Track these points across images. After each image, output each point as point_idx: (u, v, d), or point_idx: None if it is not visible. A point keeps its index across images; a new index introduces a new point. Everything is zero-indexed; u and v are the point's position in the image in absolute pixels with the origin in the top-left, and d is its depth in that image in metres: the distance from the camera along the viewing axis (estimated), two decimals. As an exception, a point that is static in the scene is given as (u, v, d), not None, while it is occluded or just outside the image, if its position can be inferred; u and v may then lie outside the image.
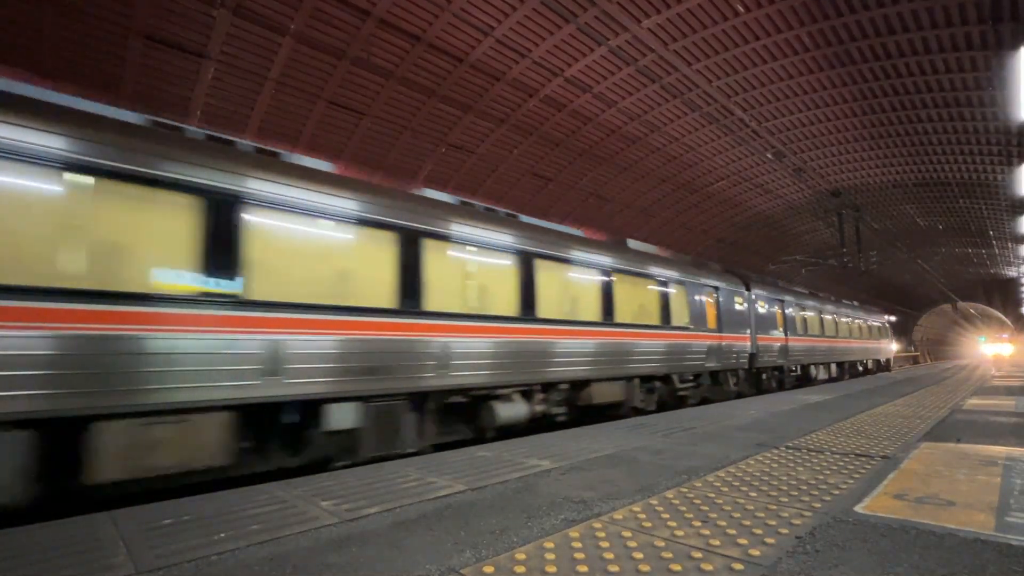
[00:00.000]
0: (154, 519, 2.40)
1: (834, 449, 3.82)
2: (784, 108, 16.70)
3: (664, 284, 9.24)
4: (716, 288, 10.69)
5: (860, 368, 19.93)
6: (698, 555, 1.88)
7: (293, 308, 4.51)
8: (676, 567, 1.78)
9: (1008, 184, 19.20)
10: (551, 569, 1.79)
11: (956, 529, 2.10)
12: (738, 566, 1.78)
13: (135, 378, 3.68)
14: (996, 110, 14.93)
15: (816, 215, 25.91)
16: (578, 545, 2.00)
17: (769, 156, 19.61)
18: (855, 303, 20.86)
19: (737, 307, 11.29)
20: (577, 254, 7.60)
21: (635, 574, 1.74)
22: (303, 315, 4.57)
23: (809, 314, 14.99)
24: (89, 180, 3.69)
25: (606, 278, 8.01)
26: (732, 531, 2.12)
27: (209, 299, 4.07)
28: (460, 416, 6.19)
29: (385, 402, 5.12)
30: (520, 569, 1.79)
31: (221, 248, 4.19)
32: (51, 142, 3.57)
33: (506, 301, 6.41)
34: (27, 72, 10.23)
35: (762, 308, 12.41)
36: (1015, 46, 11.13)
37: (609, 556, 1.88)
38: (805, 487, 2.79)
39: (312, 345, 4.57)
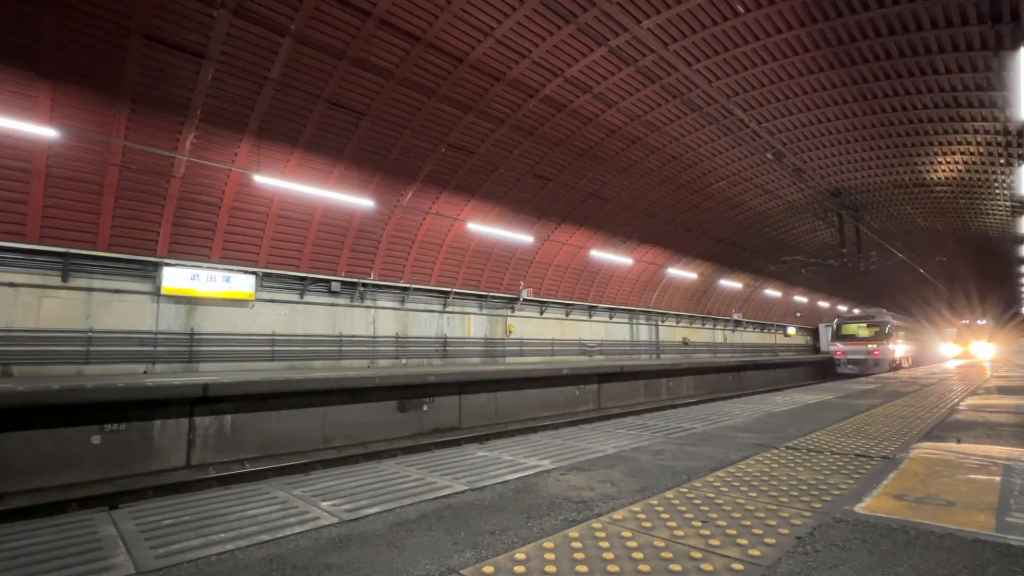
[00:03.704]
0: (154, 519, 2.40)
1: (834, 449, 3.82)
2: (784, 108, 16.70)
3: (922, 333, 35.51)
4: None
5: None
6: (698, 555, 1.88)
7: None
8: (676, 567, 1.78)
9: (1008, 184, 19.19)
10: (551, 569, 1.78)
11: (956, 529, 2.10)
12: (738, 566, 1.78)
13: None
14: (996, 110, 14.94)
15: (816, 215, 25.91)
16: (578, 545, 2.00)
17: (769, 156, 19.61)
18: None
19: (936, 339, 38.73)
20: (903, 323, 28.81)
21: (635, 574, 1.74)
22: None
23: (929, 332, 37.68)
24: (903, 329, 30.09)
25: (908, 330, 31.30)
26: (732, 531, 2.12)
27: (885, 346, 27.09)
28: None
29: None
30: (520, 569, 1.79)
31: (902, 337, 28.98)
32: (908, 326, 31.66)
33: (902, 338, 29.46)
34: (27, 72, 10.25)
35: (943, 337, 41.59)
36: (1015, 46, 11.12)
37: (609, 556, 1.88)
38: (805, 487, 2.79)
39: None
